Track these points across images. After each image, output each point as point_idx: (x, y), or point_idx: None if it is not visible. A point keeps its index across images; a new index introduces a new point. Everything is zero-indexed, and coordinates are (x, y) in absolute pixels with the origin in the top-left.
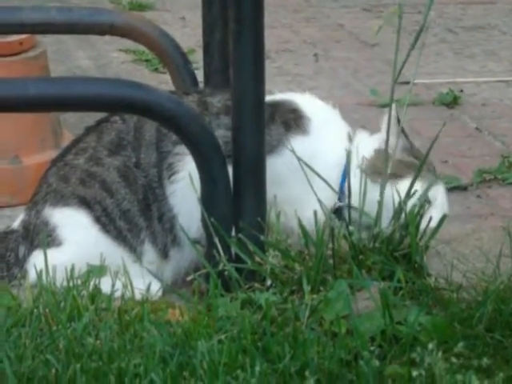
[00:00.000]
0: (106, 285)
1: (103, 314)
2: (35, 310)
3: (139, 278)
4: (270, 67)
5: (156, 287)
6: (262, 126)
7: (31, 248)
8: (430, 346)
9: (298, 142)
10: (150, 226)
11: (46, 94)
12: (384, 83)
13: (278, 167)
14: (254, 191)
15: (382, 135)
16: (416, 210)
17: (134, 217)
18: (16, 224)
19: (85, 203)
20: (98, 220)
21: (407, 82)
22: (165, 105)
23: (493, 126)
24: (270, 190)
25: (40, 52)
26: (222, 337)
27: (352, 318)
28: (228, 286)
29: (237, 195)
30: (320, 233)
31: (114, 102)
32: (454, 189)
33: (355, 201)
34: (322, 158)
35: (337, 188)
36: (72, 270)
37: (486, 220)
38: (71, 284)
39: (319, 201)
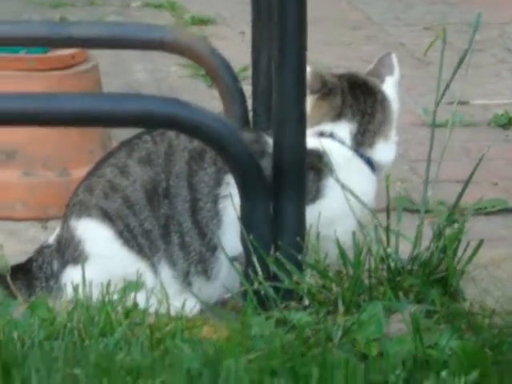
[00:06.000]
0: (140, 300)
1: (137, 329)
2: (69, 324)
3: (177, 295)
4: None
5: (191, 304)
6: (303, 145)
7: (63, 262)
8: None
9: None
10: (168, 250)
11: (92, 110)
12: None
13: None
14: (294, 211)
15: None
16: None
17: (155, 239)
18: (52, 238)
19: (107, 217)
20: (120, 234)
21: (464, 102)
22: (210, 125)
23: None
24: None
25: (92, 66)
26: (252, 356)
27: (383, 341)
28: (265, 305)
29: (276, 214)
30: (358, 254)
31: (160, 119)
32: (500, 211)
33: None
34: (356, 188)
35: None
36: (108, 285)
37: None
38: (106, 299)
39: (359, 223)
